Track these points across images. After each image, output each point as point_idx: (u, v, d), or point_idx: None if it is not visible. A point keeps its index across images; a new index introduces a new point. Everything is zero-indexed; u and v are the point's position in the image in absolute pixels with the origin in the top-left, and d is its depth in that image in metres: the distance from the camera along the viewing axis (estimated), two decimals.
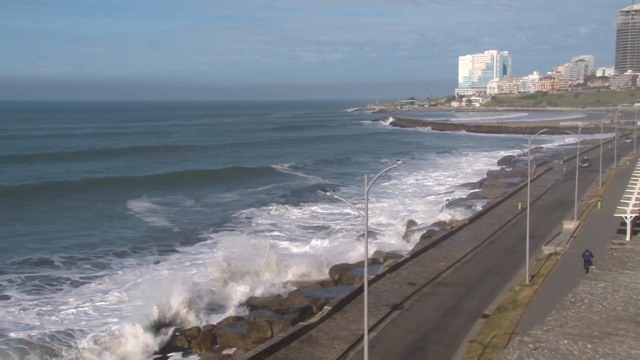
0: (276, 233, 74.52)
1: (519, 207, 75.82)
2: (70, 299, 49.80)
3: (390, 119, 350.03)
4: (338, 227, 76.74)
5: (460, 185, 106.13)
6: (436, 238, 60.09)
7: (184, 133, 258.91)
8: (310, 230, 75.31)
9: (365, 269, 30.24)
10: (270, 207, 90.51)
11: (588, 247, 50.90)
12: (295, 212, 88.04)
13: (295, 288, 49.81)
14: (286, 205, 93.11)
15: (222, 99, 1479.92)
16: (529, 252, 47.58)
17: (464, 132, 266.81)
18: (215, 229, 76.64)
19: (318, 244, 68.21)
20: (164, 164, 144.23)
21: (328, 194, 30.53)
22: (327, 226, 77.70)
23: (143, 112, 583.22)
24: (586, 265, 49.91)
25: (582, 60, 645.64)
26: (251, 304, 47.50)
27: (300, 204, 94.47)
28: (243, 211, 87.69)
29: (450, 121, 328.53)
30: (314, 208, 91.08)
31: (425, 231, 67.39)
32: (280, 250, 61.98)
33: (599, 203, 73.74)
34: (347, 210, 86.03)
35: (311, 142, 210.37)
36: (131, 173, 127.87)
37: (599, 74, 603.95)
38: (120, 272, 57.98)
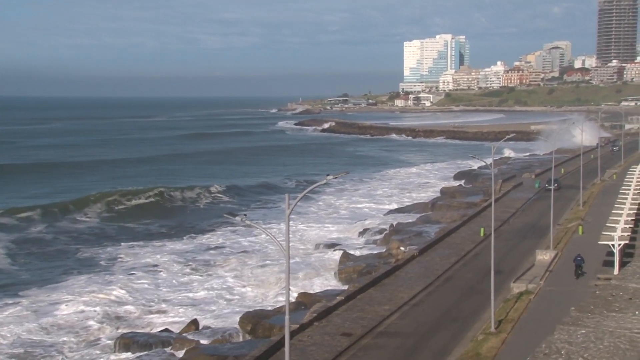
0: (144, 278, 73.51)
1: (481, 234, 77.41)
2: None
3: (326, 124, 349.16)
4: (250, 261, 76.46)
5: (407, 207, 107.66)
6: (377, 275, 60.61)
7: (35, 144, 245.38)
8: (202, 270, 74.62)
9: (287, 317, 30.18)
10: (151, 242, 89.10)
11: (580, 252, 57.65)
12: (188, 245, 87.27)
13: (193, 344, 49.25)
14: (178, 236, 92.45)
15: (92, 95, 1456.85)
16: (495, 291, 48.57)
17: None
18: (77, 270, 75.25)
19: (219, 285, 67.72)
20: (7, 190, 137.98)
21: (238, 219, 30.44)
22: (234, 262, 77.23)
23: None
24: (577, 270, 55.75)
25: (556, 47, 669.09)
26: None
27: (196, 234, 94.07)
28: (113, 249, 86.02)
29: (390, 125, 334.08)
30: (219, 239, 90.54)
31: (363, 265, 67.93)
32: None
33: (580, 227, 76.13)
34: (262, 241, 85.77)
35: (215, 156, 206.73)
36: None
37: (577, 64, 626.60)
38: None
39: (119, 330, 54.95)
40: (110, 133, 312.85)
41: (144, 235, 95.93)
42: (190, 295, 64.99)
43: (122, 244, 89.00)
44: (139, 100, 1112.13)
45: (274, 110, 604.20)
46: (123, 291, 65.36)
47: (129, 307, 61.06)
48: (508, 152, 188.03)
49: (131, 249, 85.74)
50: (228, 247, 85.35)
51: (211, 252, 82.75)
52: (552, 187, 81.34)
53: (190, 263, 77.19)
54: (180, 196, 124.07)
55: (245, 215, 31.29)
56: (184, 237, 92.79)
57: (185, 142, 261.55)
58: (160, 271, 73.96)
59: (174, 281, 69.74)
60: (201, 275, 72.17)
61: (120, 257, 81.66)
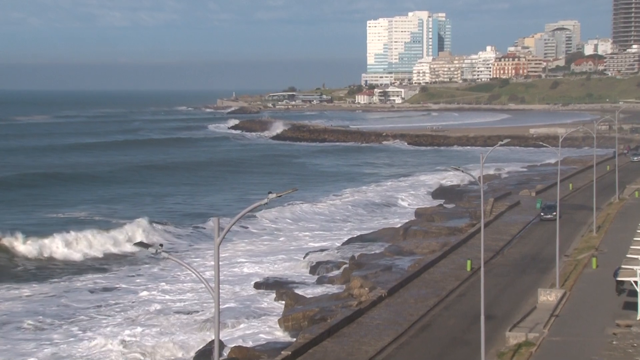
0: None
1: (468, 268, 77.87)
2: None
3: (277, 128, 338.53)
4: (164, 307, 75.90)
5: (372, 234, 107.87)
6: (334, 322, 60.54)
7: None
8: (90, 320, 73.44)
9: None
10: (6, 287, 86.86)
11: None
12: (62, 288, 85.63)
13: None
14: (47, 278, 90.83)
15: None
16: (485, 342, 48.80)
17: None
18: None
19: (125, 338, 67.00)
20: None
21: (151, 250, 30.18)
22: (141, 308, 76.34)
23: None
24: (618, 286, 59.19)
25: (561, 29, 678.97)
26: None
27: (79, 274, 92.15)
28: None
29: (350, 128, 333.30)
30: (118, 281, 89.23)
31: (315, 310, 67.83)
32: None
33: (594, 260, 76.88)
34: (182, 280, 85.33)
35: (117, 173, 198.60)
36: None
37: (588, 50, 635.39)
38: None
39: None
40: None
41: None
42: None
43: None
44: (15, 94, 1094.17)
45: (209, 110, 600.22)
46: None
47: None
48: (509, 167, 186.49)
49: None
50: (132, 288, 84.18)
51: (105, 295, 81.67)
52: (550, 216, 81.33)
53: (70, 313, 75.20)
54: (62, 226, 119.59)
55: (161, 245, 30.93)
56: (57, 279, 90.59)
57: (76, 153, 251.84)
58: (20, 326, 71.46)
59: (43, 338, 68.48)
60: (84, 331, 70.04)
61: None
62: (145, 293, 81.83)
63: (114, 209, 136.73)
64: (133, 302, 78.37)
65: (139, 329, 69.32)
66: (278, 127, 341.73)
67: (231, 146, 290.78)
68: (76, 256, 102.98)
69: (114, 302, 78.90)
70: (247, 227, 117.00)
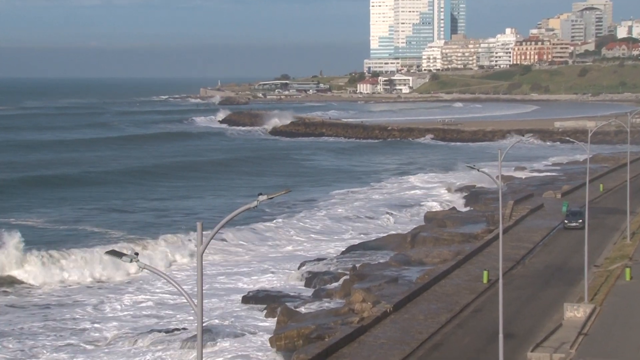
0: None
1: (485, 280, 77.84)
2: None
3: (276, 122, 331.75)
4: (136, 324, 75.82)
5: (376, 241, 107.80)
6: (333, 341, 60.50)
7: None
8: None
9: None
10: None
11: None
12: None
13: None
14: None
15: None
16: None
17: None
18: None
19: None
20: None
21: (125, 259, 30.11)
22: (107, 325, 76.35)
23: None
24: None
25: (591, 8, 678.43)
26: None
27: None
28: None
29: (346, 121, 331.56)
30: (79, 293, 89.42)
31: (312, 328, 67.78)
32: None
33: (628, 271, 76.80)
34: (159, 292, 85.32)
35: (88, 174, 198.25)
36: None
37: (621, 33, 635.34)
38: None
39: None
40: None
41: None
42: None
43: None
44: None
45: (194, 100, 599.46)
46: None
47: None
48: (530, 165, 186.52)
49: None
50: (99, 304, 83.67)
51: (64, 311, 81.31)
52: (576, 224, 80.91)
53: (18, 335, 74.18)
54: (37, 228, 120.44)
55: (136, 254, 30.85)
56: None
57: (41, 150, 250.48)
58: None
59: None
60: None
61: None
62: (116, 309, 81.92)
63: (78, 214, 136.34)
64: (98, 320, 78.11)
65: (109, 351, 69.43)
66: (278, 121, 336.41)
67: (224, 142, 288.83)
68: (26, 268, 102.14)
69: (73, 320, 78.32)
70: (235, 233, 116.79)
